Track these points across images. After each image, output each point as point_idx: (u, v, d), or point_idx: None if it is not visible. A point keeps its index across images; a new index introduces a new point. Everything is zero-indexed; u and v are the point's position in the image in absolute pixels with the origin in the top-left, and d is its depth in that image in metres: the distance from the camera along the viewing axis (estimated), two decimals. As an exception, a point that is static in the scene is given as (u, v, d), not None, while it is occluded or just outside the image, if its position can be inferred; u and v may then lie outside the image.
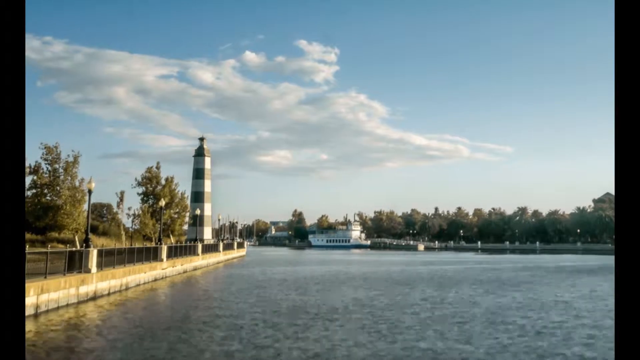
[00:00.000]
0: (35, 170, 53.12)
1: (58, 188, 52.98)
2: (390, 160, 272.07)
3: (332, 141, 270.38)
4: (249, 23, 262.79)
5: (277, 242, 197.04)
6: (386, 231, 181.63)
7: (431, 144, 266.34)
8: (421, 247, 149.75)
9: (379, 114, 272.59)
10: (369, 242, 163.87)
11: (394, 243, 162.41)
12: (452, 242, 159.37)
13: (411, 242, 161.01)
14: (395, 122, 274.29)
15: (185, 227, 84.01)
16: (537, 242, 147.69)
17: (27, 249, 20.94)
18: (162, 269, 41.01)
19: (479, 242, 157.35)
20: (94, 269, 27.36)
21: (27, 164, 50.28)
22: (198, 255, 55.66)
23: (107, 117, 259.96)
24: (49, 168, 53.73)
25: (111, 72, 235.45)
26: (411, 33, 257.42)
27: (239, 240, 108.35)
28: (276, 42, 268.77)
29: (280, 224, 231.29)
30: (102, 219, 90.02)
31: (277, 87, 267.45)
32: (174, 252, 45.99)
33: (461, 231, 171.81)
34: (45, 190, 53.15)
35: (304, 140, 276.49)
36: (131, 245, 49.08)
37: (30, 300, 20.52)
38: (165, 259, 41.90)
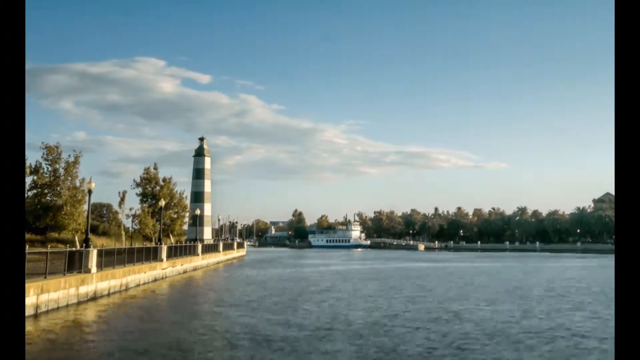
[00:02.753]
0: (36, 170, 53.09)
1: (58, 188, 52.96)
2: (367, 167, 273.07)
3: (299, 147, 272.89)
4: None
5: (277, 242, 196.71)
6: (386, 231, 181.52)
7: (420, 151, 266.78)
8: (421, 247, 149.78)
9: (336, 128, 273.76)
10: (369, 242, 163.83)
11: (394, 243, 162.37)
12: (452, 242, 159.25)
13: (411, 242, 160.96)
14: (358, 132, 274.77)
15: (185, 227, 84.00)
16: (537, 242, 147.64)
17: (27, 249, 20.93)
18: (162, 269, 41.01)
19: (479, 242, 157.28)
20: (94, 269, 27.36)
21: (27, 164, 50.29)
22: (198, 255, 55.66)
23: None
24: (50, 168, 53.72)
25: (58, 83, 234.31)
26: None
27: (238, 240, 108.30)
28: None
29: (280, 224, 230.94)
30: (102, 219, 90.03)
31: (225, 99, 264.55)
32: (174, 252, 45.99)
33: (461, 231, 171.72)
34: (46, 191, 53.12)
35: (276, 146, 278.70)
36: (131, 245, 49.06)
37: (30, 300, 20.51)
38: (165, 259, 41.90)
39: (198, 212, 75.36)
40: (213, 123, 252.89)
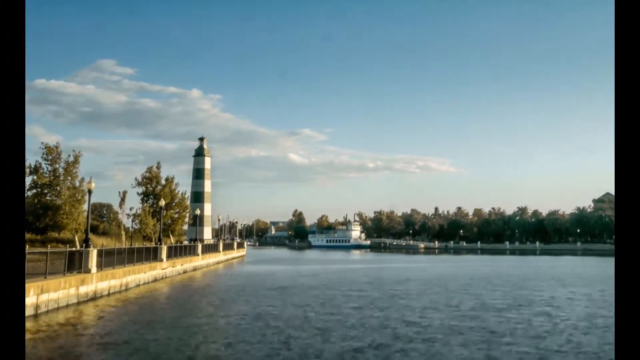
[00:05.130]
0: (36, 170, 53.14)
1: (58, 188, 53.00)
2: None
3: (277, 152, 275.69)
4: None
5: (277, 242, 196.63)
6: (386, 231, 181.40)
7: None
8: (421, 246, 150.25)
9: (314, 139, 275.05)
10: (369, 242, 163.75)
11: (394, 243, 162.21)
12: (452, 242, 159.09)
13: (411, 242, 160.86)
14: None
15: (185, 227, 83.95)
16: (537, 242, 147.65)
17: (27, 249, 20.94)
18: (162, 269, 41.00)
19: (479, 242, 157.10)
20: (93, 269, 27.35)
21: (27, 164, 50.33)
22: (198, 255, 55.65)
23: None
24: (49, 168, 53.78)
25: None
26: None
27: (238, 240, 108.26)
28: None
29: (280, 224, 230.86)
30: (102, 219, 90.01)
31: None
32: (174, 252, 45.97)
33: (461, 231, 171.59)
34: (46, 190, 53.16)
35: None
36: (131, 245, 49.02)
37: (30, 300, 20.51)
38: (165, 259, 41.88)
39: (198, 212, 75.31)
40: (175, 129, 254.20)
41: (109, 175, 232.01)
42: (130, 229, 66.82)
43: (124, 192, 63.70)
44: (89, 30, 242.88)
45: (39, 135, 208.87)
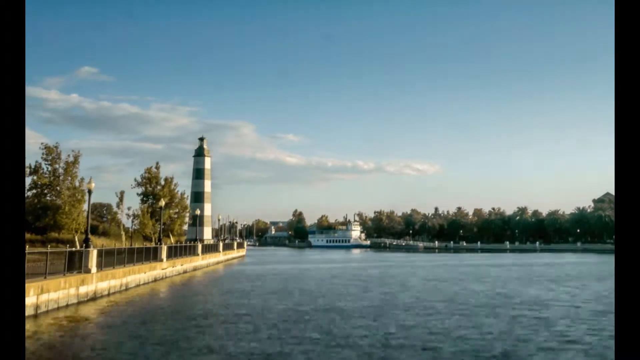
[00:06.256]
0: (36, 171, 53.18)
1: (58, 188, 53.03)
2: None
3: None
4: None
5: (277, 242, 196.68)
6: (386, 231, 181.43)
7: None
8: (421, 245, 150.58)
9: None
10: (369, 242, 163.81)
11: (394, 243, 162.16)
12: (452, 242, 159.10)
13: (411, 242, 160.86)
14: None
15: (185, 227, 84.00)
16: (537, 242, 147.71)
17: (27, 249, 20.93)
18: (162, 269, 40.99)
19: (479, 242, 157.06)
20: (93, 269, 27.35)
21: (27, 164, 50.37)
22: (198, 255, 55.64)
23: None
24: (49, 168, 53.83)
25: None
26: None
27: (238, 240, 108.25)
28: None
29: (280, 224, 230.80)
30: (102, 219, 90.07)
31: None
32: (173, 252, 45.96)
33: (461, 231, 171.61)
34: (45, 190, 53.20)
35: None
36: (131, 245, 49.05)
37: (30, 300, 20.50)
38: (165, 259, 41.87)
39: (198, 212, 75.34)
40: (160, 133, 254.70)
41: (101, 177, 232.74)
42: (130, 229, 66.90)
43: (122, 192, 63.87)
44: (70, 36, 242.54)
45: (28, 137, 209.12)
